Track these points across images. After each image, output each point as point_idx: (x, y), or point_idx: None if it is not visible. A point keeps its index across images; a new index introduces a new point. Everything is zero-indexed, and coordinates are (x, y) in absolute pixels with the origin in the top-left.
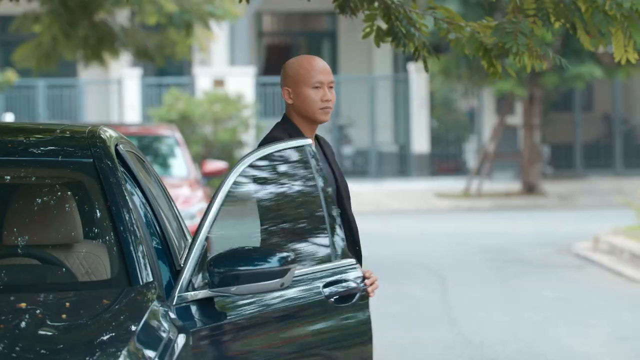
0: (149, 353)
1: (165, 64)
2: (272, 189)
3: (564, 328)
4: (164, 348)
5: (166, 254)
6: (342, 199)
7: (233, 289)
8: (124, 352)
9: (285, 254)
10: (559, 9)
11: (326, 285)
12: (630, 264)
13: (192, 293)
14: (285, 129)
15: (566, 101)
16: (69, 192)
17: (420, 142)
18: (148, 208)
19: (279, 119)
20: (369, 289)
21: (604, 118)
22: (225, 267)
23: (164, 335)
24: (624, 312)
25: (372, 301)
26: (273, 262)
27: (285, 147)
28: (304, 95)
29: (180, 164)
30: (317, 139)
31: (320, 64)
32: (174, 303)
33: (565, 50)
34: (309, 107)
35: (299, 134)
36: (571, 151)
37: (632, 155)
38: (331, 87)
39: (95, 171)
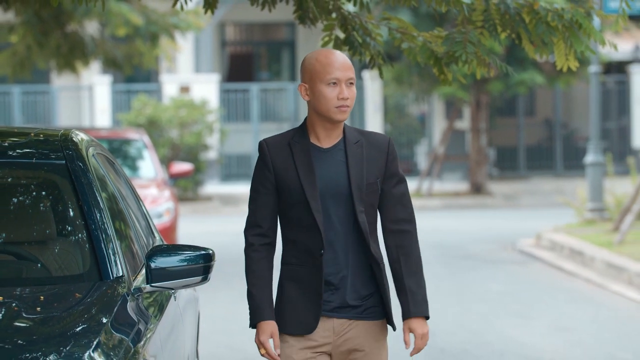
0: (120, 342)
1: (134, 71)
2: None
3: (508, 319)
4: (134, 338)
5: (134, 250)
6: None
7: (169, 284)
8: (96, 342)
9: (211, 251)
10: (505, 20)
11: None
12: (569, 259)
13: (143, 286)
14: (295, 129)
15: (510, 107)
16: (43, 192)
17: None
18: (118, 207)
19: (241, 124)
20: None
21: (546, 123)
22: (161, 264)
23: (133, 325)
24: (564, 304)
25: None
26: (202, 259)
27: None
28: (319, 92)
29: (149, 166)
30: (345, 138)
31: (338, 59)
32: (138, 294)
33: (509, 59)
34: (323, 106)
35: (302, 135)
36: (515, 153)
37: (571, 157)
38: (351, 84)
39: (68, 172)
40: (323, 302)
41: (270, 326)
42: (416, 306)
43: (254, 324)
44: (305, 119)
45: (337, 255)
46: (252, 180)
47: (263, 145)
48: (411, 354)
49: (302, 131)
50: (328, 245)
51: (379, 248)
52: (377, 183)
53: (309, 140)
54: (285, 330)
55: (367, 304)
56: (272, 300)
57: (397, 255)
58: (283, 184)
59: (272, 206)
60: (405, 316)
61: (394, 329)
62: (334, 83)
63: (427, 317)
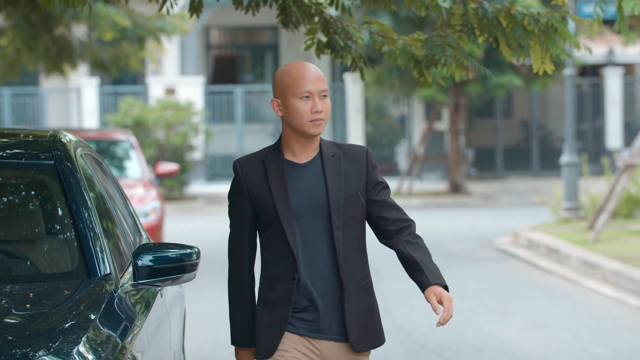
0: (108, 338)
1: (120, 74)
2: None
3: (486, 315)
4: (122, 334)
5: (122, 248)
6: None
7: (155, 281)
8: (84, 338)
9: (196, 249)
10: (483, 24)
11: None
12: (546, 257)
13: (130, 283)
14: (270, 146)
15: (488, 108)
16: (33, 192)
17: None
18: (105, 206)
19: (226, 125)
20: None
21: (522, 124)
22: (147, 262)
23: (121, 322)
24: (541, 300)
25: None
26: (187, 257)
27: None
28: (291, 107)
29: (135, 166)
30: (322, 152)
31: (309, 72)
32: (125, 291)
33: (487, 62)
34: (297, 120)
35: (277, 153)
36: (493, 154)
37: (547, 157)
38: (324, 97)
39: (57, 172)
40: (308, 323)
41: (246, 354)
42: (434, 276)
43: (233, 344)
44: (280, 135)
45: (323, 274)
46: (228, 205)
47: (236, 166)
48: (439, 323)
49: (277, 148)
50: (311, 265)
51: (359, 266)
52: (359, 195)
53: (283, 158)
54: (255, 354)
55: None
56: (252, 322)
57: (404, 248)
58: (257, 205)
59: (251, 231)
60: (426, 286)
61: (354, 348)
62: (307, 96)
63: (446, 288)
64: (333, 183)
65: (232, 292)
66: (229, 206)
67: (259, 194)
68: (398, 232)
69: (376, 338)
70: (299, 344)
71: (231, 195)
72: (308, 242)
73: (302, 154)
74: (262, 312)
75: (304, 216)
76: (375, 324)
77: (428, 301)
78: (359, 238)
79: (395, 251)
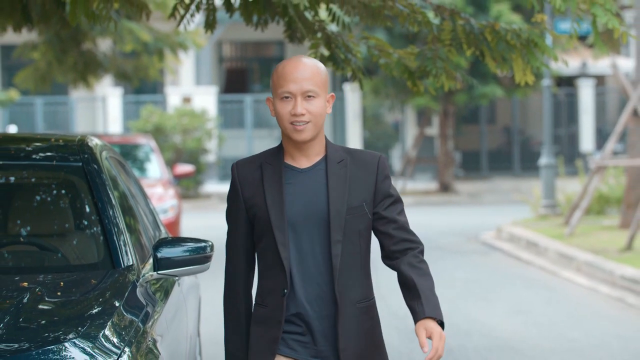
0: (131, 323)
1: (141, 84)
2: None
3: (472, 303)
4: (143, 319)
5: (143, 242)
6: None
7: (173, 271)
8: (109, 323)
9: (210, 243)
10: (470, 39)
11: None
12: (526, 250)
13: (151, 273)
14: (272, 149)
15: (474, 115)
16: (63, 191)
17: None
18: (128, 204)
19: (237, 130)
20: None
21: (505, 130)
22: (166, 254)
23: (142, 308)
24: (521, 289)
25: None
26: (202, 250)
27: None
28: (275, 107)
29: (155, 168)
30: (327, 157)
31: (294, 70)
32: (146, 281)
33: (473, 73)
34: (280, 123)
35: (277, 156)
36: (478, 157)
37: (527, 160)
38: (311, 97)
39: (84, 173)
40: (306, 346)
41: None
42: (431, 308)
43: None
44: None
45: (320, 292)
46: (226, 210)
47: (233, 169)
48: (428, 359)
49: (277, 151)
50: (306, 282)
51: (359, 285)
52: (364, 207)
53: (282, 161)
54: None
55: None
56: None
57: (406, 270)
58: (252, 212)
59: (247, 237)
60: (420, 317)
61: None
62: (287, 97)
63: (442, 324)
64: (336, 192)
65: (228, 307)
66: (227, 214)
67: (253, 200)
68: (402, 253)
69: None
70: None
71: (228, 198)
72: (304, 255)
73: (301, 158)
74: (255, 330)
75: (301, 226)
76: (375, 350)
77: (417, 335)
78: (362, 255)
79: (397, 272)
